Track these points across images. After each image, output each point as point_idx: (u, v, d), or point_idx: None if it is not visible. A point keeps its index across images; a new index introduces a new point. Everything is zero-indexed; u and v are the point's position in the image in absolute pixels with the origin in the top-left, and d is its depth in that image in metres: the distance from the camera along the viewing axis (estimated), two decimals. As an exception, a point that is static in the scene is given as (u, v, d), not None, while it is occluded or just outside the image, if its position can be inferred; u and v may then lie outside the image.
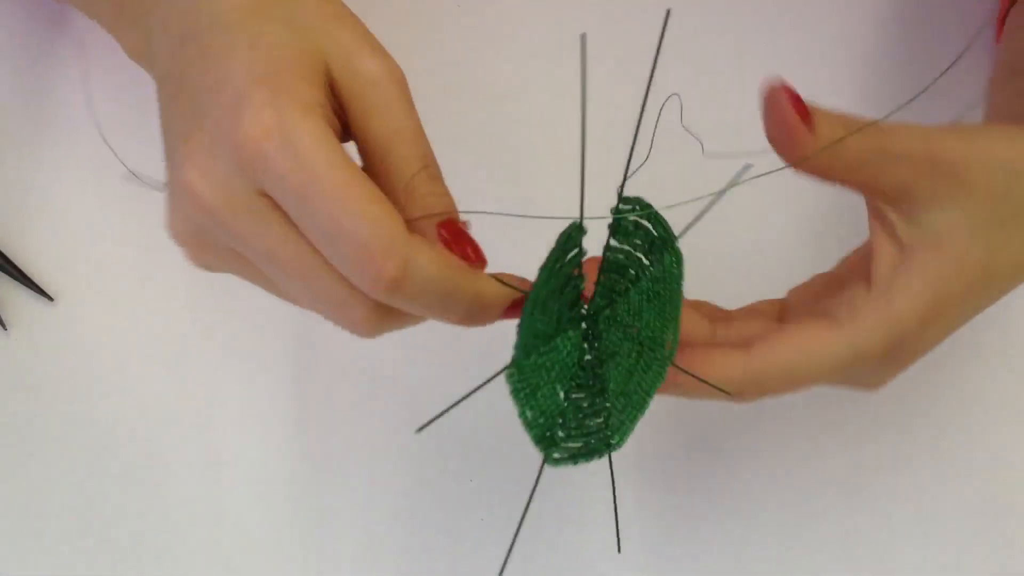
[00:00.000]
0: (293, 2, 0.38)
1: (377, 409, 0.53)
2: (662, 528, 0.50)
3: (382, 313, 0.37)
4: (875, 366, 0.41)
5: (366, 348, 0.54)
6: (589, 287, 0.39)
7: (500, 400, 0.53)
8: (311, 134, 0.34)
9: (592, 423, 0.38)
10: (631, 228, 0.39)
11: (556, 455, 0.37)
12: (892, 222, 0.40)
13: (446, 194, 0.39)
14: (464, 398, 0.36)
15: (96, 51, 0.58)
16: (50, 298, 0.54)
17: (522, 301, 0.37)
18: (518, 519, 0.39)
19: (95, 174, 0.57)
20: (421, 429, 0.35)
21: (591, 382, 0.39)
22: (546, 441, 0.37)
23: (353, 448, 0.52)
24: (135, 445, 0.51)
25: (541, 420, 0.37)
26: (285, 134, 0.33)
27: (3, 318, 0.53)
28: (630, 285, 0.40)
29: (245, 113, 0.34)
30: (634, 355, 0.39)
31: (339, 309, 0.36)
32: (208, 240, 0.37)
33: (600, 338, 0.39)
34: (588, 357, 0.39)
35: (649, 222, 0.39)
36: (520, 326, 0.36)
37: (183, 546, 0.50)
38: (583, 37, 0.32)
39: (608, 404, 0.39)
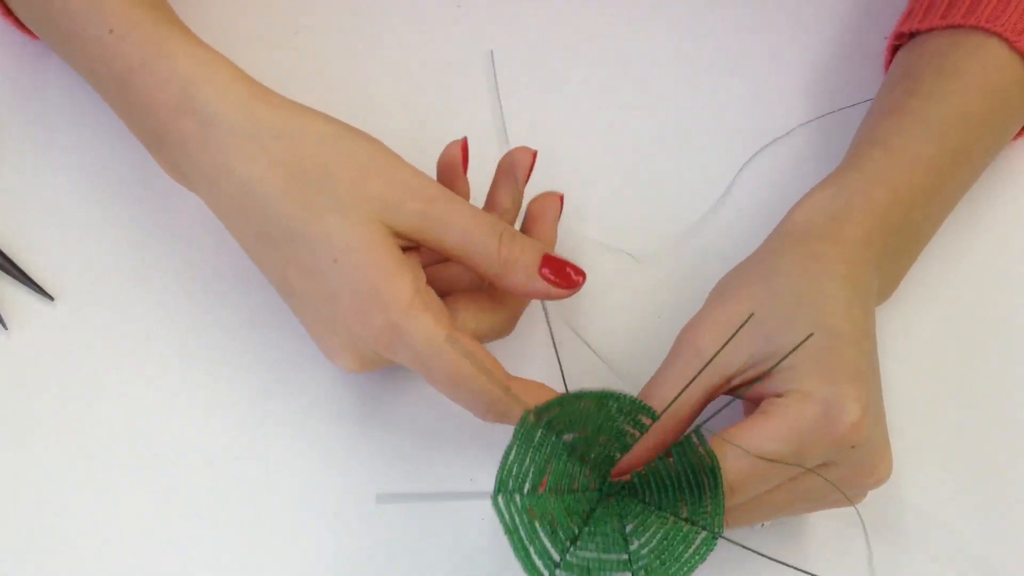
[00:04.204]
0: (330, 185, 0.45)
1: (378, 408, 0.53)
2: None
3: None
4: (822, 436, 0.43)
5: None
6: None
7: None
8: (421, 333, 0.44)
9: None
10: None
11: None
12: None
13: (532, 244, 0.46)
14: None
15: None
16: (50, 298, 0.54)
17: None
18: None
19: (95, 174, 0.57)
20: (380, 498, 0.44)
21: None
22: None
23: (353, 448, 0.52)
24: (135, 445, 0.51)
25: None
26: (403, 339, 0.44)
27: (3, 318, 0.53)
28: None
29: (367, 328, 0.44)
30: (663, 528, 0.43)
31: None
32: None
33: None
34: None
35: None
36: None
37: (183, 546, 0.50)
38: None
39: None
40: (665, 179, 0.59)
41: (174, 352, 0.53)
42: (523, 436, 0.42)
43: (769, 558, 0.45)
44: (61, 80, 0.58)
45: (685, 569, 0.41)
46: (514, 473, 0.41)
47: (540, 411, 0.42)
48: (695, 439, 0.42)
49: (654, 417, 0.44)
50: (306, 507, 0.50)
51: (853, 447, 0.43)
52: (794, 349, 0.42)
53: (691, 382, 0.44)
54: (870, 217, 0.48)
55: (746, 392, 0.45)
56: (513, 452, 0.41)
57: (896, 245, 0.49)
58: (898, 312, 0.54)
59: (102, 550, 0.49)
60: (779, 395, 0.43)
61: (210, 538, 0.50)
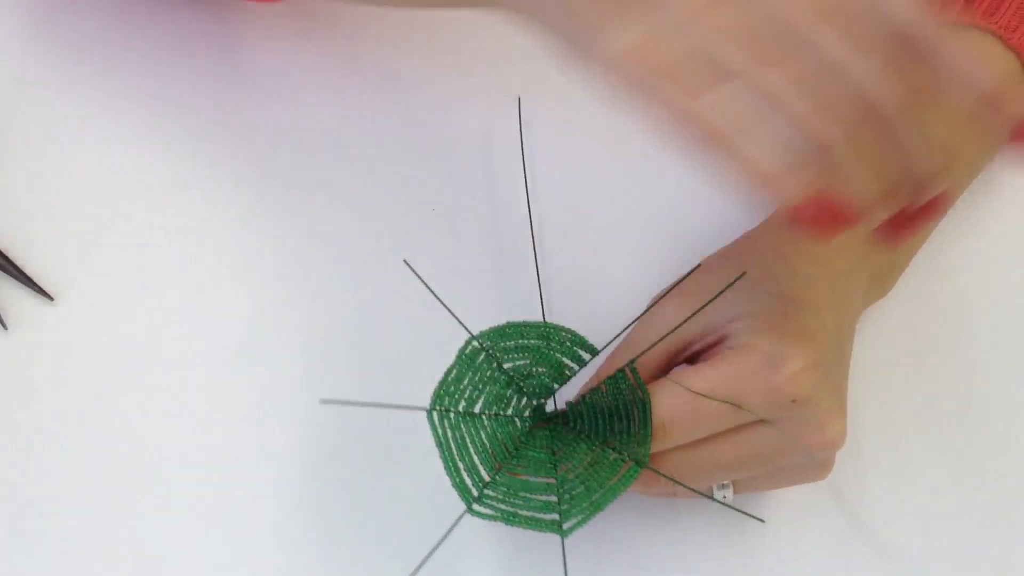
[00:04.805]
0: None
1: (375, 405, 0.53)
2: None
3: None
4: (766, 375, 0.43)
5: (368, 343, 0.54)
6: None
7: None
8: None
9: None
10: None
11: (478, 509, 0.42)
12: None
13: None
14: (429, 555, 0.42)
15: (97, 49, 0.58)
16: (50, 298, 0.54)
17: None
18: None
19: (95, 174, 0.57)
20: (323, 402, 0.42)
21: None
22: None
23: (353, 446, 0.52)
24: (135, 445, 0.51)
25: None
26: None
27: (3, 318, 0.53)
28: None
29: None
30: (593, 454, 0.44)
31: None
32: None
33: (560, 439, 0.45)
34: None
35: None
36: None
37: (183, 546, 0.50)
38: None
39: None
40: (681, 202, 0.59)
41: (173, 352, 0.53)
42: (465, 358, 0.44)
43: (698, 492, 0.45)
44: (62, 80, 0.58)
45: (609, 496, 0.42)
46: (451, 391, 0.43)
47: (484, 336, 0.44)
48: (628, 373, 0.44)
49: (594, 352, 0.45)
50: (304, 506, 0.51)
51: (794, 402, 0.43)
52: (725, 289, 0.44)
53: (634, 322, 0.46)
54: None
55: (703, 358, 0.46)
56: (453, 372, 0.43)
57: None
58: (893, 310, 0.55)
59: (102, 550, 0.49)
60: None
61: (209, 538, 0.50)
